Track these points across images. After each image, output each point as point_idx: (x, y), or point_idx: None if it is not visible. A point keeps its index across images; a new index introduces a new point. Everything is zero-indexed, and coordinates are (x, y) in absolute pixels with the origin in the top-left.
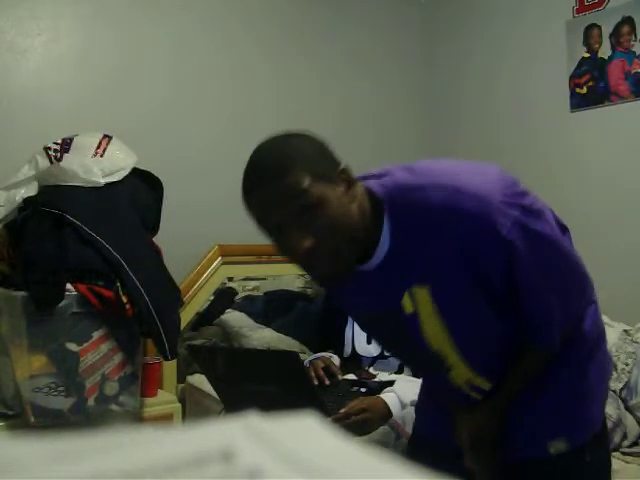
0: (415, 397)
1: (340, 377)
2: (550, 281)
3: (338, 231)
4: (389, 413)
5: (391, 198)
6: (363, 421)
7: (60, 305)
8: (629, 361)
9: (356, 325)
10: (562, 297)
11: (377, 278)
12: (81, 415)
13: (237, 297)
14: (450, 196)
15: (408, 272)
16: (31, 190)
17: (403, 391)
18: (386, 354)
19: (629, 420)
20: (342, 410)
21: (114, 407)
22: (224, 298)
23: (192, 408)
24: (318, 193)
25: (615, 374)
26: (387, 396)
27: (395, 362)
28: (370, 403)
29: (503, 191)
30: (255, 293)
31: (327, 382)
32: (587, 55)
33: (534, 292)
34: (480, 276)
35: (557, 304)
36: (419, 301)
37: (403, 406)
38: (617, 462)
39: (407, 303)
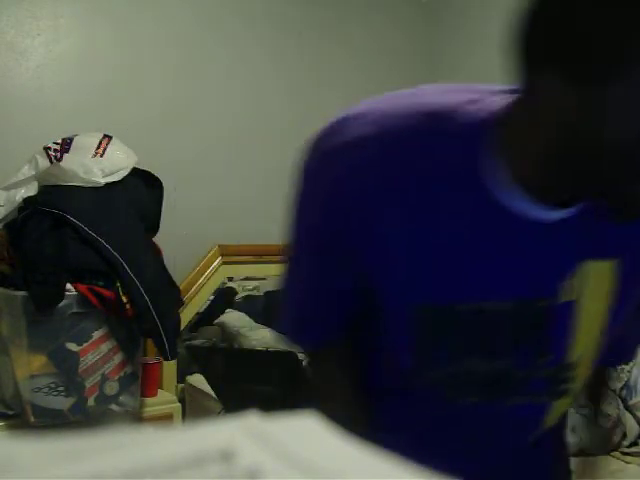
0: None
1: None
2: None
3: None
4: None
5: None
6: None
7: (60, 305)
8: None
9: None
10: None
11: (547, 239)
12: (81, 415)
13: (237, 297)
14: None
15: (596, 235)
16: (31, 190)
17: None
18: None
19: (629, 420)
20: None
21: (114, 407)
22: (224, 298)
23: (192, 408)
24: None
25: (615, 373)
26: None
27: None
28: None
29: None
30: (255, 293)
31: None
32: None
33: None
34: None
35: None
36: (589, 283)
37: None
38: (617, 462)
39: (574, 285)
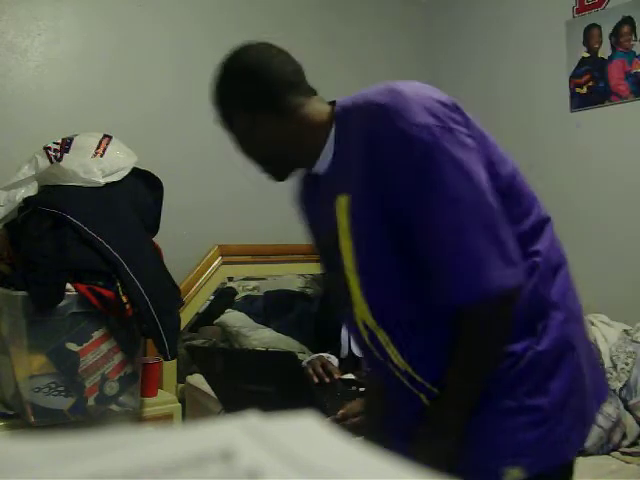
0: None
1: (338, 377)
2: (451, 212)
3: (258, 156)
4: None
5: (342, 108)
6: (360, 423)
7: (60, 305)
8: (629, 361)
9: None
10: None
11: (325, 186)
12: (81, 415)
13: (237, 297)
14: (379, 93)
15: (339, 180)
16: (31, 190)
17: None
18: None
19: (628, 420)
20: (340, 412)
21: (114, 407)
22: (224, 298)
23: (192, 408)
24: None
25: (615, 374)
26: None
27: None
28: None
29: (436, 101)
30: (255, 293)
31: (327, 380)
32: (587, 55)
33: (428, 217)
34: (382, 185)
35: (468, 243)
36: (339, 211)
37: None
38: (617, 462)
39: (337, 212)
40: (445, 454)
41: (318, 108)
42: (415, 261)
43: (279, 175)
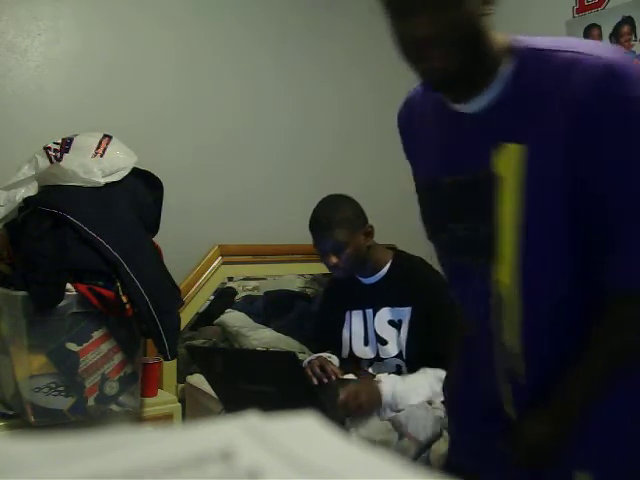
0: (415, 401)
1: (338, 376)
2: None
3: (461, 30)
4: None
5: (529, 49)
6: (363, 403)
7: (60, 305)
8: None
9: (353, 326)
10: None
11: (473, 127)
12: (81, 415)
13: (237, 297)
14: (599, 47)
15: (507, 124)
16: (31, 190)
17: (401, 395)
18: (382, 356)
19: None
20: (340, 398)
21: (114, 407)
22: (224, 298)
23: (192, 408)
24: None
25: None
26: (385, 386)
27: (392, 363)
28: (365, 391)
29: None
30: (255, 293)
31: (325, 380)
32: None
33: (622, 195)
34: (585, 148)
35: None
36: (504, 159)
37: (394, 405)
38: None
39: (497, 161)
40: (553, 437)
41: (498, 36)
42: (591, 235)
43: (448, 72)
